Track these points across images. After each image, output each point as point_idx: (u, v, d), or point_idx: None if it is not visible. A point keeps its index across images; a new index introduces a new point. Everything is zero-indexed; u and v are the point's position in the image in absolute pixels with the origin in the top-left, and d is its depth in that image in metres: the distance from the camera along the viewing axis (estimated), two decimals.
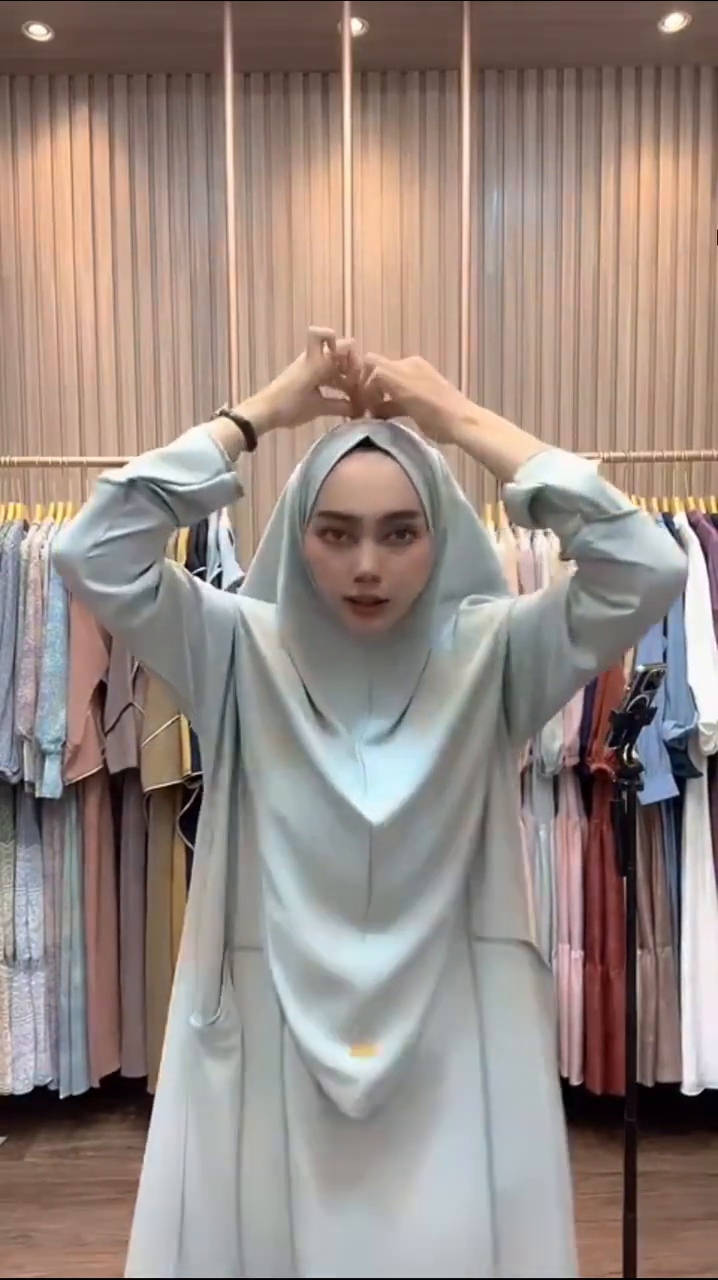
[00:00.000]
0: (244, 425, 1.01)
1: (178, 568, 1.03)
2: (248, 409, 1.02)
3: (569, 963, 2.48)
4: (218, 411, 1.02)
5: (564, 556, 0.95)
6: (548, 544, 2.51)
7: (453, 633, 1.06)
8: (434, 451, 1.03)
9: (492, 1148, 1.02)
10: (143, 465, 0.95)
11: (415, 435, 1.02)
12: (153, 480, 0.94)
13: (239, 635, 1.06)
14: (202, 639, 1.04)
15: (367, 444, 0.96)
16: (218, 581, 2.49)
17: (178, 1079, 1.09)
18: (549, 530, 0.95)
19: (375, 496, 0.94)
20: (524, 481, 0.93)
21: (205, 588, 1.06)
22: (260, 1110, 1.05)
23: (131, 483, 0.93)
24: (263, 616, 1.08)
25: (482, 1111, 1.03)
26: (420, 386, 1.00)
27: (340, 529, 0.95)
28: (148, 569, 0.97)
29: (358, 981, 0.99)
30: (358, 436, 0.96)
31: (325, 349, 1.03)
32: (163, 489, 0.94)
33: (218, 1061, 1.06)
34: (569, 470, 0.92)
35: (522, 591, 2.43)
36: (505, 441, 0.97)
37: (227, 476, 0.97)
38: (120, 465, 0.97)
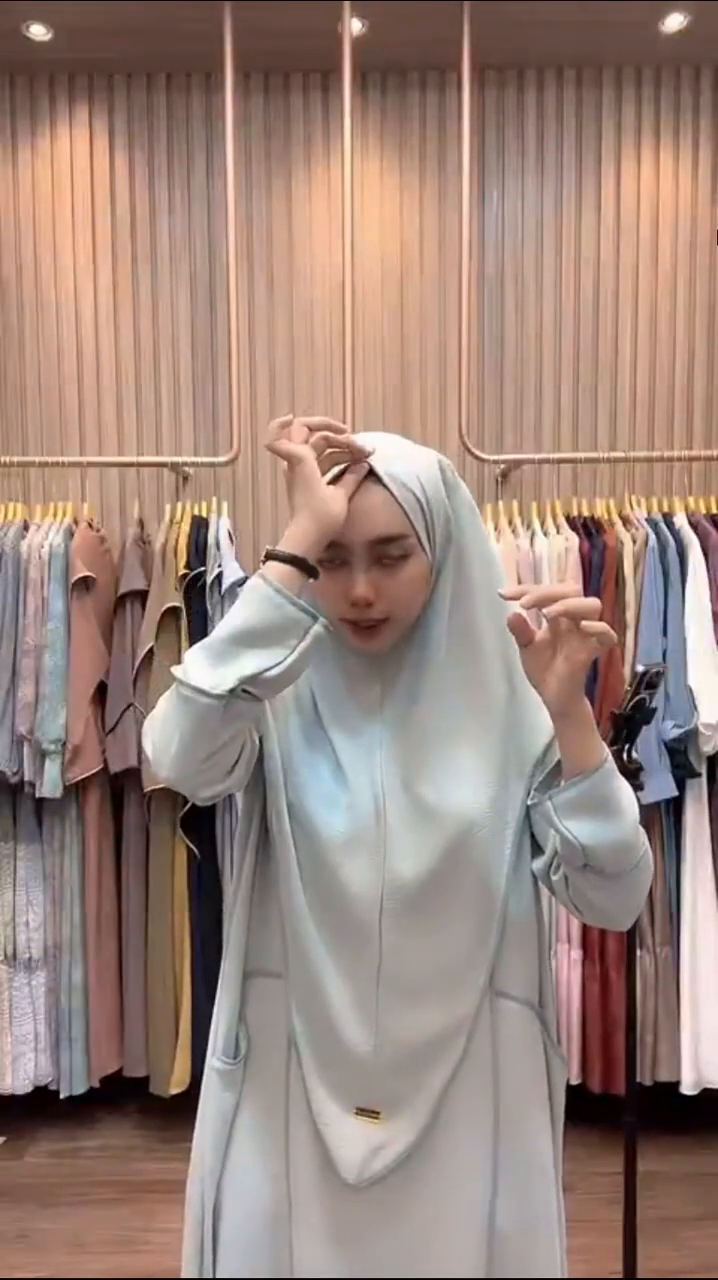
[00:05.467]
0: (294, 560, 0.93)
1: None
2: (291, 543, 0.93)
3: (569, 963, 2.49)
4: (264, 556, 0.95)
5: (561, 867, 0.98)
6: (548, 544, 2.51)
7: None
8: (440, 459, 1.02)
9: (495, 1194, 1.03)
10: (230, 664, 0.89)
11: (412, 450, 1.00)
12: (251, 679, 0.89)
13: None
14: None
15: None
16: (218, 581, 2.49)
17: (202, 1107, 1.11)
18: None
19: (363, 523, 0.96)
20: (566, 820, 0.93)
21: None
22: (251, 1146, 1.06)
23: (231, 692, 0.88)
24: None
25: (489, 1177, 1.03)
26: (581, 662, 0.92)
27: (334, 556, 0.98)
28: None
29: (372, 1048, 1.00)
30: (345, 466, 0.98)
31: (291, 432, 0.96)
32: (259, 681, 0.89)
33: (221, 1091, 1.08)
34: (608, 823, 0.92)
35: None
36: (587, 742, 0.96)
37: (318, 628, 0.92)
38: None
